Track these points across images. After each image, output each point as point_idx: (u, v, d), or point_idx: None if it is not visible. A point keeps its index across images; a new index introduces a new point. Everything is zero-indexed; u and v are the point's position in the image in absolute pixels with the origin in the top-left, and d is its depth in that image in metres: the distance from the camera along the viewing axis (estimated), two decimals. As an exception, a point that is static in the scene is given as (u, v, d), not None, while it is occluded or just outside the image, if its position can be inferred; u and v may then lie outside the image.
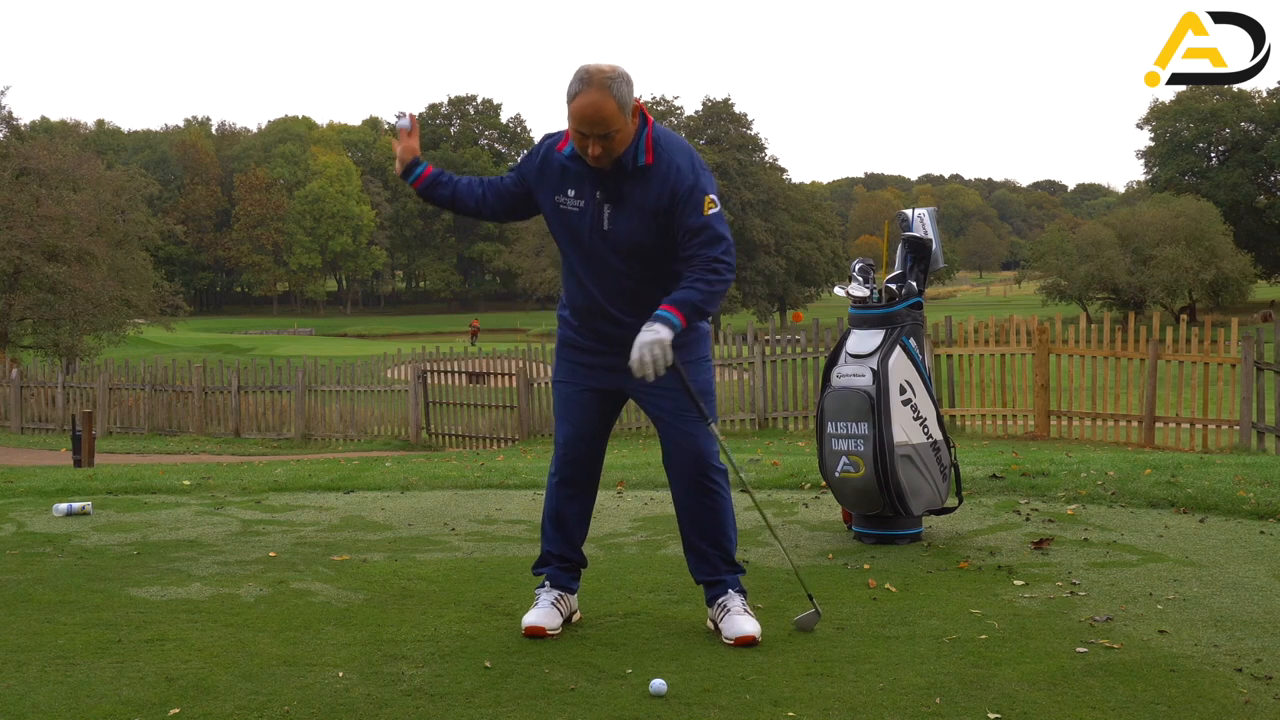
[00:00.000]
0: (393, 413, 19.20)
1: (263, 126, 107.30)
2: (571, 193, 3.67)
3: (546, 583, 3.94)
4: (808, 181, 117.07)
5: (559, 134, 3.73)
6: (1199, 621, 3.83)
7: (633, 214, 3.60)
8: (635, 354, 3.47)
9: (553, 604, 3.87)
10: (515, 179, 3.87)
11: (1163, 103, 70.57)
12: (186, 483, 7.73)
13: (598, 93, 3.43)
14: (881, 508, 5.12)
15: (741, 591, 3.85)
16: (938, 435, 5.20)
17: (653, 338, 3.46)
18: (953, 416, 14.46)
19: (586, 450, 3.89)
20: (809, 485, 6.69)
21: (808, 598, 3.91)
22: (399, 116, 4.01)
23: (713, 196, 3.57)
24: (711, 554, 3.85)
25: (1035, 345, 14.35)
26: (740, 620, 3.72)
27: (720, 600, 3.82)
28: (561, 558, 3.95)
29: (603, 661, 3.52)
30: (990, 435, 14.27)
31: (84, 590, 4.53)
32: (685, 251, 3.57)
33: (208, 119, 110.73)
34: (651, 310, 3.58)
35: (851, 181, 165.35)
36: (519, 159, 3.88)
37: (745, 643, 3.65)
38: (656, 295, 3.64)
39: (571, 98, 3.48)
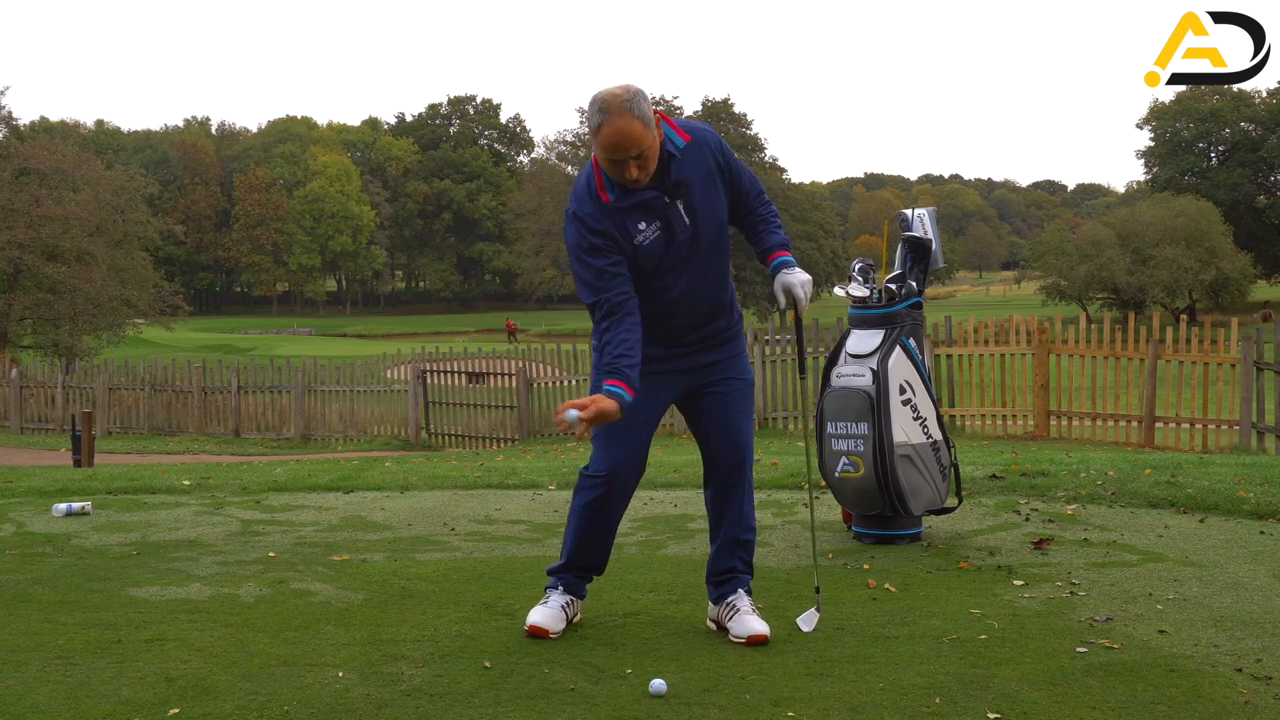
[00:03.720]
0: (392, 413, 19.19)
1: (263, 126, 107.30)
2: (642, 225, 3.59)
3: (560, 585, 3.92)
4: (807, 181, 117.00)
5: (590, 189, 3.59)
6: (1199, 621, 3.83)
7: (703, 191, 3.64)
8: (799, 291, 3.69)
9: (562, 607, 3.86)
10: (612, 259, 3.56)
11: (1163, 103, 70.65)
12: (186, 483, 7.73)
13: (621, 118, 3.41)
14: (881, 508, 5.12)
15: (749, 592, 3.88)
16: (937, 435, 5.20)
17: (805, 276, 3.71)
18: (953, 416, 14.46)
19: (634, 472, 3.83)
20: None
21: (815, 590, 3.91)
22: (566, 419, 3.39)
23: None
24: (735, 551, 3.87)
25: (1035, 345, 14.34)
26: (751, 620, 3.74)
27: (729, 600, 3.83)
28: (586, 567, 3.93)
29: (603, 661, 3.52)
30: (990, 435, 14.27)
31: (84, 590, 4.53)
32: (749, 197, 3.78)
33: (207, 119, 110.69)
34: (718, 297, 3.77)
35: (851, 181, 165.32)
36: (583, 243, 3.57)
37: (757, 641, 3.67)
38: (723, 279, 3.79)
39: (596, 129, 3.44)
